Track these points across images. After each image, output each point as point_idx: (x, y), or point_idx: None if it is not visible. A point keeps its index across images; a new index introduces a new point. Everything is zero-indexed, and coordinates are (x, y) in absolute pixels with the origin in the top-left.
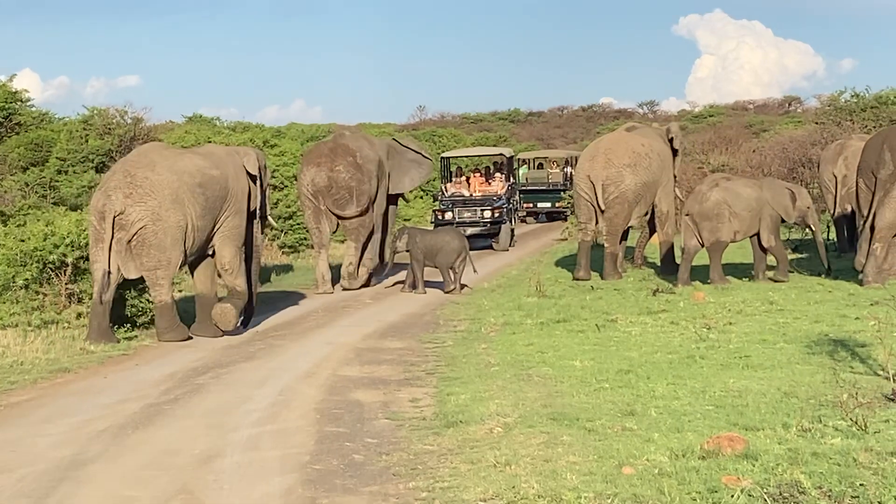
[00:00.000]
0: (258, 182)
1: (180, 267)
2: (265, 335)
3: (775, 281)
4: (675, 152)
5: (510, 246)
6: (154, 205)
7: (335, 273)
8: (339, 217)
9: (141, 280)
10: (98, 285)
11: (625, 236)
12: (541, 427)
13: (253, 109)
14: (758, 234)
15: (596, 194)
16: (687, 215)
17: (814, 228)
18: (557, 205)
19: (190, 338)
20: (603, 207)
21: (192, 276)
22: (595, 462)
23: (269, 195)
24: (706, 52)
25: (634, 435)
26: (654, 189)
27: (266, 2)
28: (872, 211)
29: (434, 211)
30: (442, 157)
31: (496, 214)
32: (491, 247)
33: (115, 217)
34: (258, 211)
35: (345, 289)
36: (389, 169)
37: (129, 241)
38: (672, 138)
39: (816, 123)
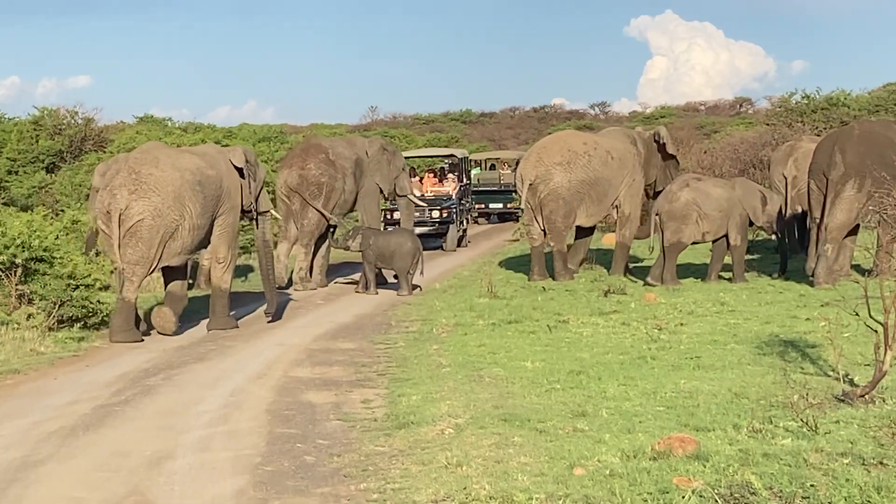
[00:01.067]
0: (245, 176)
1: (164, 265)
2: (216, 336)
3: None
4: (667, 156)
5: (459, 246)
6: (157, 201)
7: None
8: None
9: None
10: (119, 283)
11: (590, 232)
12: (492, 428)
13: (205, 110)
14: (726, 235)
15: (528, 193)
16: (657, 214)
17: (779, 235)
18: (509, 206)
19: (141, 340)
20: (532, 206)
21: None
22: (546, 463)
23: (264, 190)
24: (658, 53)
25: (586, 436)
26: (604, 188)
27: (218, 2)
28: (823, 212)
29: (383, 210)
30: None
31: (444, 215)
32: (441, 247)
33: (120, 214)
34: (254, 206)
35: (295, 290)
36: (376, 168)
37: (124, 234)
38: (664, 143)
39: (767, 125)
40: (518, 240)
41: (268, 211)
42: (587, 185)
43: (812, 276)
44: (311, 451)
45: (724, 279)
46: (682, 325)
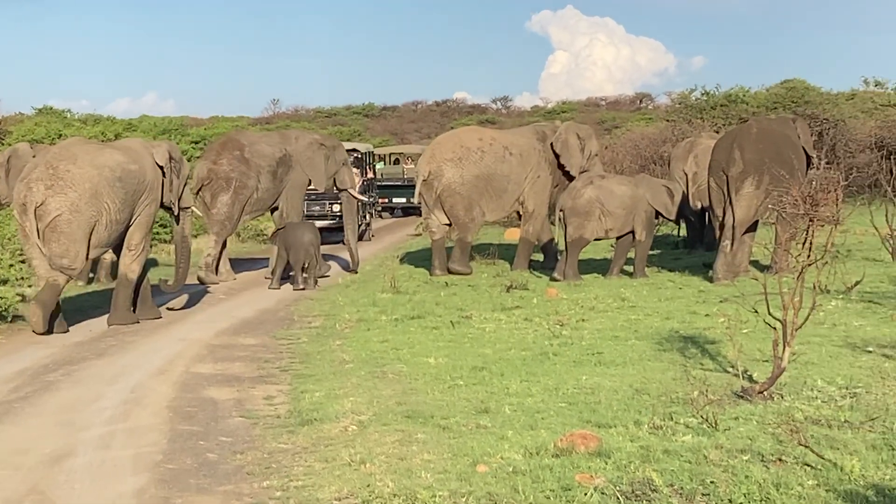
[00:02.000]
0: (167, 174)
1: (89, 259)
2: (117, 331)
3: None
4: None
5: (362, 240)
6: (74, 197)
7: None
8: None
9: None
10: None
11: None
12: (395, 425)
13: (104, 101)
14: (632, 231)
15: (423, 188)
16: (560, 210)
17: (690, 220)
18: (413, 200)
19: (67, 331)
20: (429, 201)
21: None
22: (449, 460)
23: (187, 187)
24: (559, 48)
25: (488, 432)
26: (501, 184)
27: None
28: (724, 209)
29: (328, 203)
30: None
31: None
32: (343, 241)
33: (35, 208)
34: (176, 202)
35: (200, 280)
36: (307, 163)
37: (44, 229)
38: (552, 142)
39: (667, 121)
40: (420, 234)
41: (189, 207)
42: (482, 181)
43: (711, 271)
44: (214, 449)
45: (625, 274)
46: (583, 320)
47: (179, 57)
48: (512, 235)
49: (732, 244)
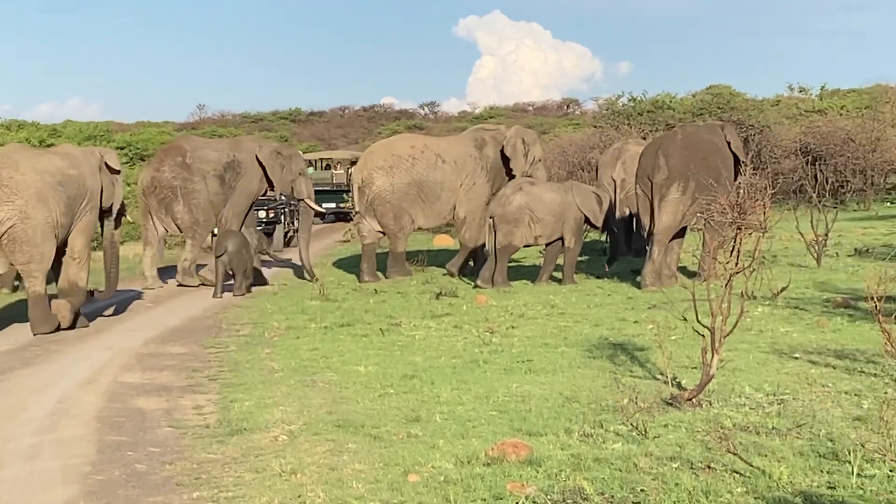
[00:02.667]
0: (105, 179)
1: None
2: (43, 340)
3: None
4: (505, 159)
5: (288, 247)
6: (21, 203)
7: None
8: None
9: None
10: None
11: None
12: (326, 434)
13: (27, 106)
14: (560, 238)
15: (357, 195)
16: (490, 217)
17: (615, 230)
18: (342, 205)
19: (59, 328)
20: (359, 209)
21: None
22: (381, 470)
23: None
24: (486, 53)
25: (419, 441)
26: (434, 191)
27: None
28: (650, 216)
29: (290, 211)
30: None
31: (270, 215)
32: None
33: None
34: (113, 207)
35: (180, 284)
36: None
37: (4, 240)
38: (503, 146)
39: (595, 127)
40: (349, 240)
41: (123, 213)
42: (413, 188)
43: (639, 278)
44: (143, 460)
45: (555, 281)
46: (513, 327)
47: (104, 61)
48: (441, 242)
49: (659, 251)
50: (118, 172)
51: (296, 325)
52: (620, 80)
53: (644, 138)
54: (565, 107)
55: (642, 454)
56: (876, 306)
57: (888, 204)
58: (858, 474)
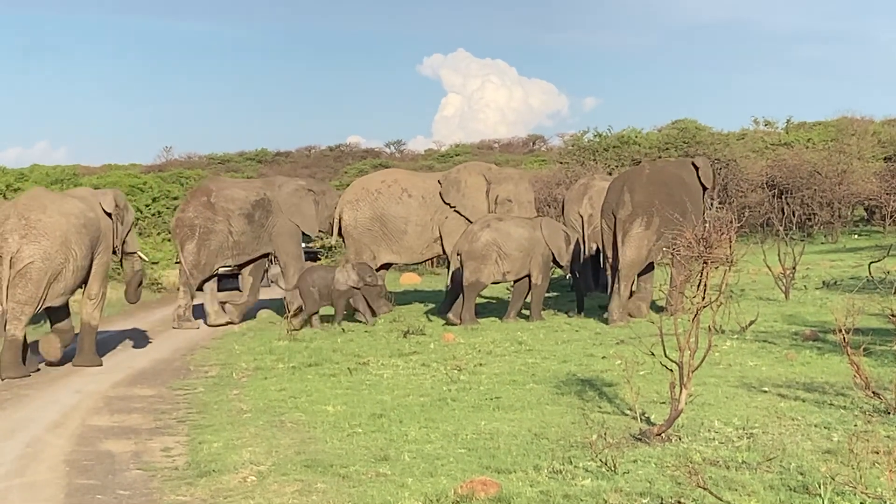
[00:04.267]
0: (114, 220)
1: (47, 306)
2: (11, 384)
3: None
4: None
5: (262, 285)
6: (47, 245)
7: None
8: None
9: None
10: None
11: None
12: (295, 475)
13: None
14: (528, 274)
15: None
16: (458, 254)
17: (576, 274)
18: (310, 245)
19: (28, 375)
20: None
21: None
22: None
23: (133, 232)
24: (452, 91)
25: (388, 480)
26: (399, 226)
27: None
28: (614, 251)
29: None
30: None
31: None
32: (238, 288)
33: (11, 258)
34: (121, 247)
35: (175, 328)
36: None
37: (14, 276)
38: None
39: (560, 163)
40: None
41: (135, 252)
42: (376, 223)
43: (606, 313)
44: (112, 503)
45: (522, 318)
46: (481, 365)
47: (71, 105)
48: (408, 280)
49: (626, 286)
50: (109, 215)
51: (264, 366)
52: (586, 116)
53: (610, 174)
54: (531, 143)
55: (612, 490)
56: (844, 339)
57: (855, 236)
58: None
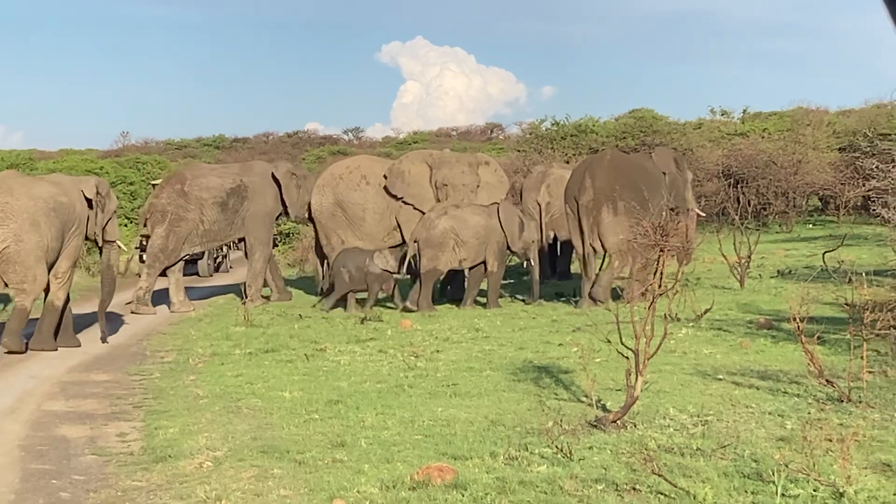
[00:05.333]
0: (94, 207)
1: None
2: None
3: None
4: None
5: (217, 272)
6: (15, 227)
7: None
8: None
9: None
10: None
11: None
12: (251, 460)
13: None
14: (484, 261)
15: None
16: (415, 241)
17: (533, 264)
18: None
19: (24, 351)
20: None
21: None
22: (306, 495)
23: (114, 220)
24: (410, 78)
25: (345, 466)
26: (357, 212)
27: None
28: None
29: (140, 236)
30: (151, 184)
31: None
32: (197, 273)
33: None
34: (98, 235)
35: (132, 312)
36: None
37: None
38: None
39: (518, 151)
40: None
41: (114, 241)
42: (337, 209)
43: (591, 296)
44: (67, 487)
45: (479, 305)
46: (438, 352)
47: (27, 89)
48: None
49: (618, 264)
50: (88, 201)
51: (220, 352)
52: (544, 105)
53: (567, 162)
54: (489, 131)
55: (567, 476)
56: (798, 327)
57: (810, 226)
58: (783, 494)
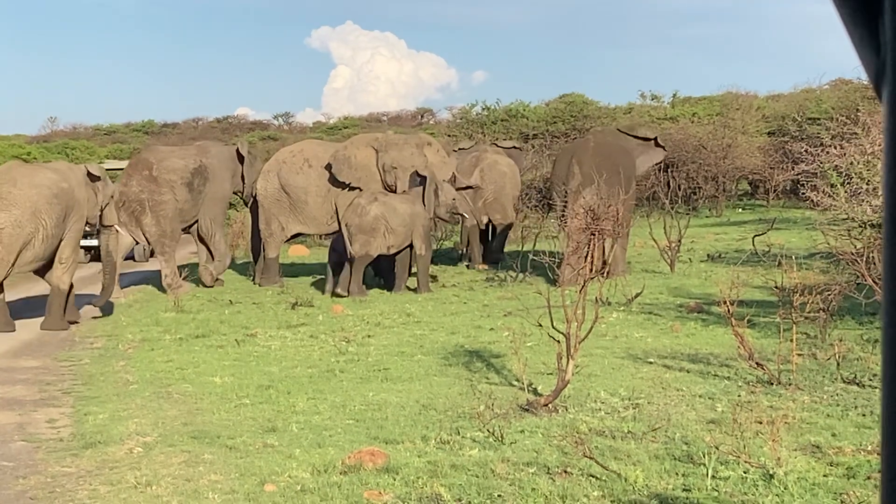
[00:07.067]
0: (96, 192)
1: (15, 271)
2: None
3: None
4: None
5: (152, 257)
6: (17, 214)
7: None
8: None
9: None
10: None
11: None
12: (182, 446)
13: None
14: (411, 246)
15: None
16: (346, 226)
17: (466, 215)
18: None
19: (13, 330)
20: None
21: (45, 277)
22: (237, 480)
23: (111, 205)
24: (341, 63)
25: (276, 451)
26: (300, 196)
27: None
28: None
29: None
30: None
31: None
32: (132, 258)
33: None
34: (98, 219)
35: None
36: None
37: None
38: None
39: (448, 136)
40: None
41: (112, 225)
42: (281, 193)
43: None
44: None
45: (410, 289)
46: (369, 336)
47: None
48: (296, 252)
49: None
50: (98, 179)
51: (150, 337)
52: (476, 90)
53: (499, 147)
54: (420, 116)
55: (499, 460)
56: (728, 311)
57: (740, 210)
58: (713, 476)
